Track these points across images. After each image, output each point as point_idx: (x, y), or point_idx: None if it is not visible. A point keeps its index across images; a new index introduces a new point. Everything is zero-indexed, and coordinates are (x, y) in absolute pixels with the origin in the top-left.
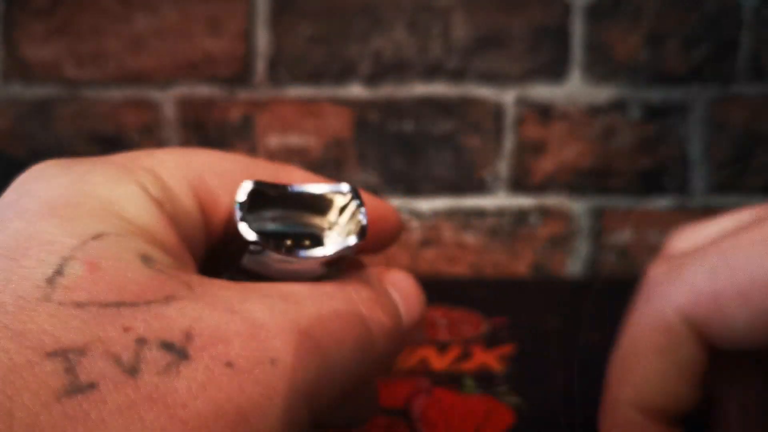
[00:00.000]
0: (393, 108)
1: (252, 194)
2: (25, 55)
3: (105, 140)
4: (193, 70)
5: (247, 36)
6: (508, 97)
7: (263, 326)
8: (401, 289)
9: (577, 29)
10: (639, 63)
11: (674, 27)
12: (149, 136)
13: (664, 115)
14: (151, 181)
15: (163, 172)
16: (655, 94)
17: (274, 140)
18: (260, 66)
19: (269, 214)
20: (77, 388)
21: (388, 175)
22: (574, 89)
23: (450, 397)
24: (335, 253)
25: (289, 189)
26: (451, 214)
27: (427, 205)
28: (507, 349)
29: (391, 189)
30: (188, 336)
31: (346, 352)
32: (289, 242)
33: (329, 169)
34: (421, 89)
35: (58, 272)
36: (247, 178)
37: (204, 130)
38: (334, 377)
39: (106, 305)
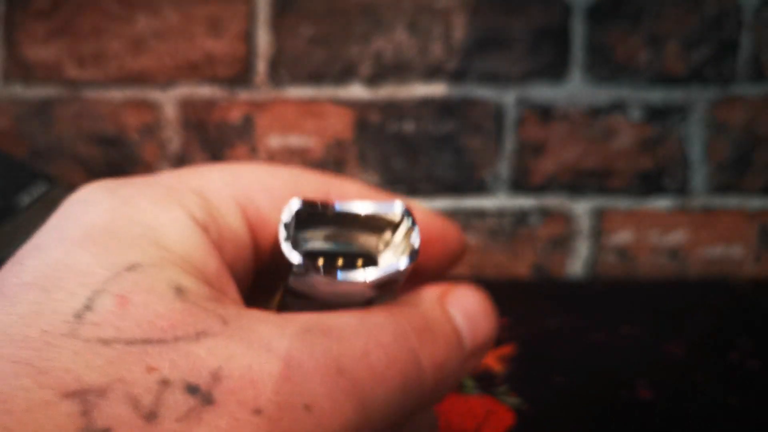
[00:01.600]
0: (393, 109)
1: (301, 212)
2: (26, 56)
3: (106, 141)
4: (193, 71)
5: (247, 37)
6: (508, 97)
7: (300, 366)
8: (466, 310)
9: (578, 30)
10: (639, 64)
11: (674, 28)
12: (150, 137)
13: (664, 116)
14: (197, 204)
15: (211, 192)
16: (656, 95)
17: (274, 141)
18: (261, 66)
19: (321, 232)
20: None
21: (389, 175)
22: (575, 90)
23: (450, 397)
24: (380, 278)
25: (337, 208)
26: (451, 215)
27: (428, 205)
28: (507, 349)
29: (391, 189)
30: (216, 377)
31: (392, 392)
32: (340, 262)
33: (330, 170)
34: (421, 90)
35: (88, 306)
36: (296, 193)
37: (205, 131)
38: (375, 421)
39: (132, 342)
